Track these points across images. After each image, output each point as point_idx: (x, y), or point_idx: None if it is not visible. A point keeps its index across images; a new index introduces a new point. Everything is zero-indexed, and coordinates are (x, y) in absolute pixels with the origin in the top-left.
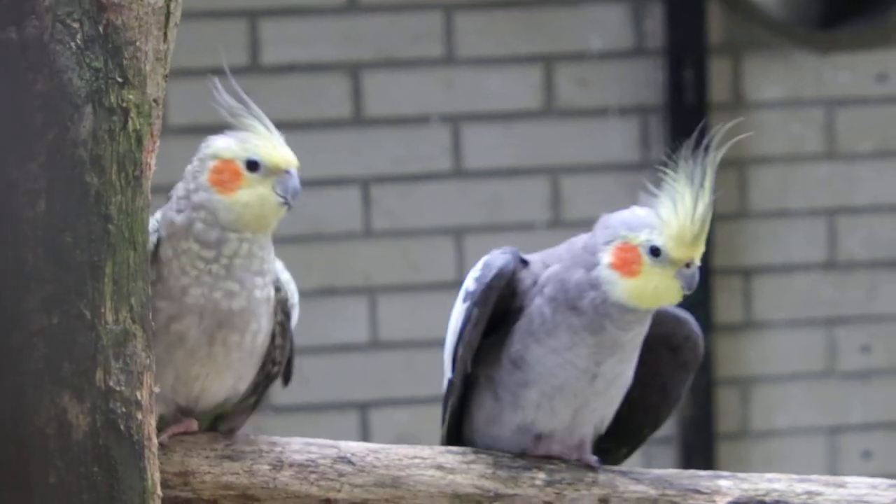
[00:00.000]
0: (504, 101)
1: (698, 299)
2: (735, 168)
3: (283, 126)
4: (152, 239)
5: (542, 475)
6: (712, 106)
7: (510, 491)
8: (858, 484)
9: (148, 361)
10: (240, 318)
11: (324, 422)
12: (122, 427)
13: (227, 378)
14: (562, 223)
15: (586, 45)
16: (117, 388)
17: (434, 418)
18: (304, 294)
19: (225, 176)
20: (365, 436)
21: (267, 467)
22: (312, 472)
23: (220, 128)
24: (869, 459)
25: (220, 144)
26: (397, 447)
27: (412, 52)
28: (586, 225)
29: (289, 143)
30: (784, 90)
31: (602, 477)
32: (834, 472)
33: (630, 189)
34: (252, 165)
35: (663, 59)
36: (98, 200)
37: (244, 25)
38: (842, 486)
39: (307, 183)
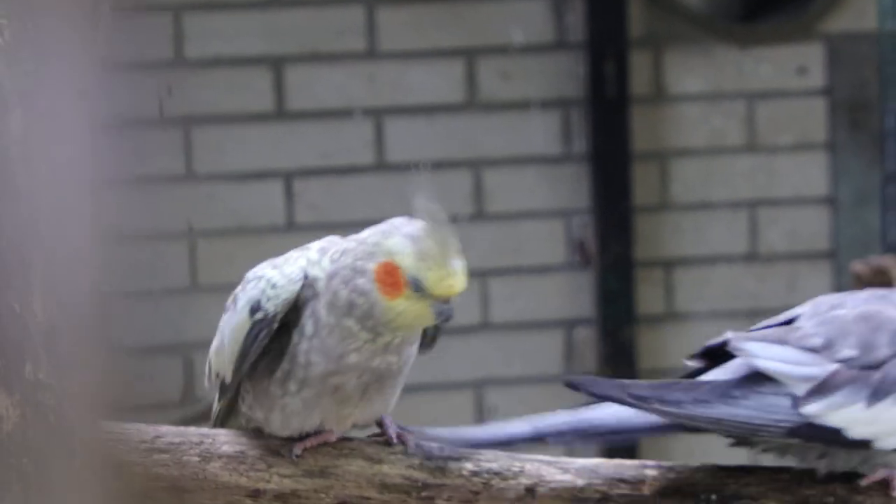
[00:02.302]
0: (427, 94)
1: (620, 291)
2: (656, 160)
3: (207, 120)
4: (317, 285)
5: (469, 465)
6: (633, 99)
7: (438, 481)
8: (778, 470)
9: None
10: (396, 374)
11: None
12: (51, 419)
13: (377, 409)
14: (485, 216)
15: (508, 39)
16: (47, 381)
17: None
18: (227, 287)
19: (389, 280)
20: None
21: (196, 459)
22: (241, 463)
23: (142, 121)
24: None
25: (398, 246)
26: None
27: (335, 46)
28: (509, 217)
29: (213, 136)
30: (705, 83)
31: (529, 466)
32: (756, 459)
33: (551, 182)
34: (416, 285)
35: (585, 52)
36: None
37: (169, 19)
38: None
39: (232, 176)
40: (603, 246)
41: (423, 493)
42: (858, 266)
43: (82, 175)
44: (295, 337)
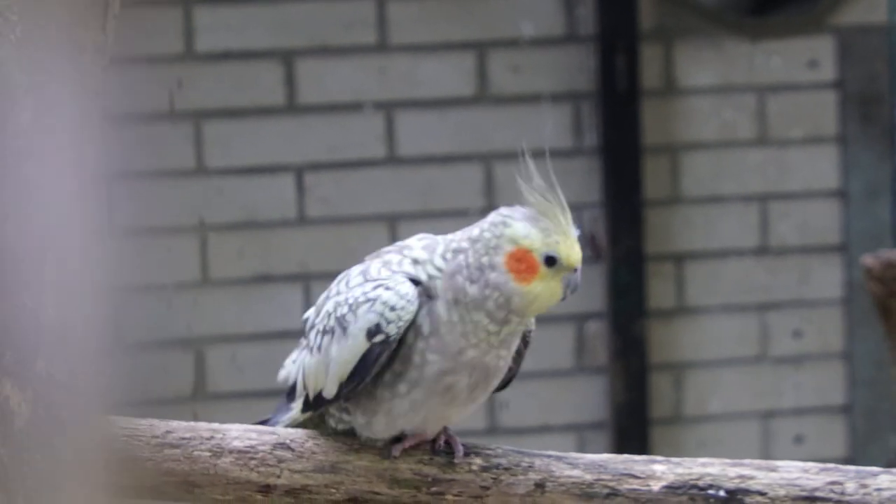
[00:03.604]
0: (437, 87)
1: (631, 285)
2: (667, 154)
3: (217, 114)
4: (433, 288)
5: (478, 461)
6: (644, 92)
7: (447, 476)
8: (790, 468)
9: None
10: (501, 370)
11: (263, 409)
12: (63, 415)
13: (470, 411)
14: (496, 209)
15: (519, 32)
16: (59, 377)
17: None
18: (238, 282)
19: (522, 266)
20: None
21: (207, 454)
22: (252, 458)
23: (153, 115)
24: (801, 444)
25: (521, 231)
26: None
27: (345, 39)
28: None
29: (223, 130)
30: (715, 76)
31: (538, 462)
32: (766, 457)
33: (562, 175)
34: (550, 261)
35: (595, 45)
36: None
37: (179, 13)
38: (773, 469)
39: (242, 170)
40: (614, 240)
41: (434, 489)
42: (869, 259)
43: (93, 170)
44: (409, 338)
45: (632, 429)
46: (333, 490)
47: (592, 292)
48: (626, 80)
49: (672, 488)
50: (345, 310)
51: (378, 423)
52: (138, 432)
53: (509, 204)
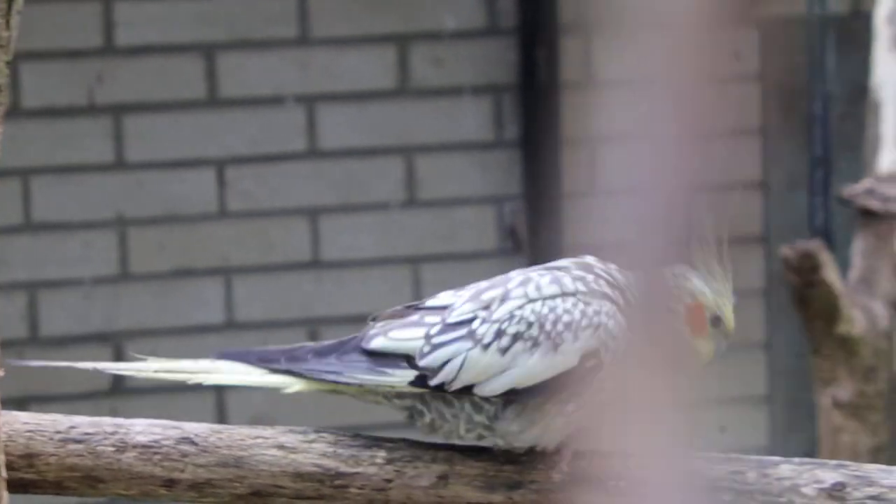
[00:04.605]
0: (359, 81)
1: None
2: (587, 146)
3: (138, 108)
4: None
5: (382, 453)
6: (564, 85)
7: (351, 469)
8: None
9: None
10: None
11: (181, 404)
12: None
13: None
14: (417, 203)
15: (440, 25)
16: None
17: (288, 399)
18: (159, 276)
19: (695, 320)
20: (221, 418)
21: (111, 449)
22: (156, 452)
23: (72, 110)
24: (723, 433)
25: (700, 287)
26: (241, 427)
27: (266, 32)
28: (441, 204)
29: (145, 125)
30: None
31: (441, 454)
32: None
33: (483, 168)
34: (716, 321)
35: (516, 38)
36: None
37: (98, 7)
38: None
39: (163, 164)
40: (534, 232)
41: (337, 482)
42: (787, 250)
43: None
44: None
45: None
46: (237, 484)
47: None
48: (546, 73)
49: (574, 480)
50: (560, 327)
51: (532, 434)
52: (41, 427)
53: None
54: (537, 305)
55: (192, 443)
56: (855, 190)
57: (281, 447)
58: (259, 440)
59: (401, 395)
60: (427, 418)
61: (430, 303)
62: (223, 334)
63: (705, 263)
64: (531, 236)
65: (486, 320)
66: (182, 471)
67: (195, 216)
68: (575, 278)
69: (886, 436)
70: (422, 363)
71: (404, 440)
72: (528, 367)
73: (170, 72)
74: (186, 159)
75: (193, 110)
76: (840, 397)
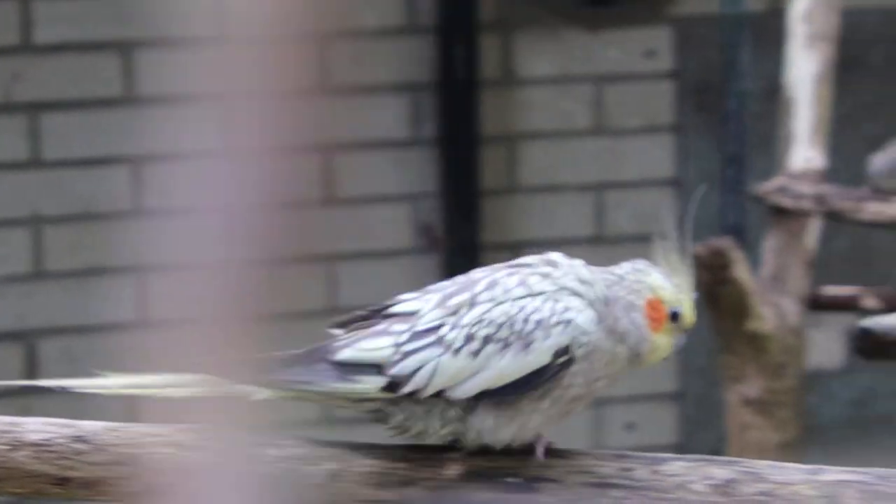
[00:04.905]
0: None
1: None
2: (505, 144)
3: (55, 106)
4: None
5: (274, 451)
6: (483, 82)
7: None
8: (574, 455)
9: None
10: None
11: (90, 403)
12: None
13: None
14: (333, 200)
15: (359, 23)
16: None
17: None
18: (73, 274)
19: (654, 315)
20: (134, 416)
21: (5, 447)
22: (49, 451)
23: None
24: (632, 431)
25: (659, 282)
26: (136, 425)
27: (184, 30)
28: (359, 202)
29: (62, 123)
30: (554, 67)
31: (333, 451)
32: (598, 444)
33: (400, 166)
34: (675, 317)
35: (434, 36)
36: None
37: (16, 5)
38: (563, 457)
39: (79, 162)
40: (450, 230)
41: None
42: (698, 248)
43: None
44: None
45: None
46: (131, 482)
47: (428, 282)
48: (464, 71)
49: (468, 476)
50: (531, 326)
51: (508, 431)
52: None
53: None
54: (506, 306)
55: (86, 441)
56: (767, 187)
57: (176, 445)
58: (154, 438)
59: (371, 399)
60: (397, 419)
61: (395, 309)
62: (137, 333)
63: (665, 258)
64: (447, 234)
65: (455, 325)
66: (75, 469)
67: (110, 214)
68: (542, 276)
69: (795, 432)
70: (392, 372)
71: (298, 436)
72: (499, 369)
73: (87, 70)
74: (102, 157)
75: (110, 108)
76: (748, 394)
